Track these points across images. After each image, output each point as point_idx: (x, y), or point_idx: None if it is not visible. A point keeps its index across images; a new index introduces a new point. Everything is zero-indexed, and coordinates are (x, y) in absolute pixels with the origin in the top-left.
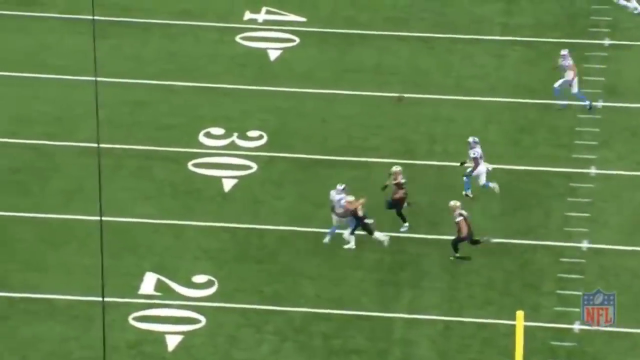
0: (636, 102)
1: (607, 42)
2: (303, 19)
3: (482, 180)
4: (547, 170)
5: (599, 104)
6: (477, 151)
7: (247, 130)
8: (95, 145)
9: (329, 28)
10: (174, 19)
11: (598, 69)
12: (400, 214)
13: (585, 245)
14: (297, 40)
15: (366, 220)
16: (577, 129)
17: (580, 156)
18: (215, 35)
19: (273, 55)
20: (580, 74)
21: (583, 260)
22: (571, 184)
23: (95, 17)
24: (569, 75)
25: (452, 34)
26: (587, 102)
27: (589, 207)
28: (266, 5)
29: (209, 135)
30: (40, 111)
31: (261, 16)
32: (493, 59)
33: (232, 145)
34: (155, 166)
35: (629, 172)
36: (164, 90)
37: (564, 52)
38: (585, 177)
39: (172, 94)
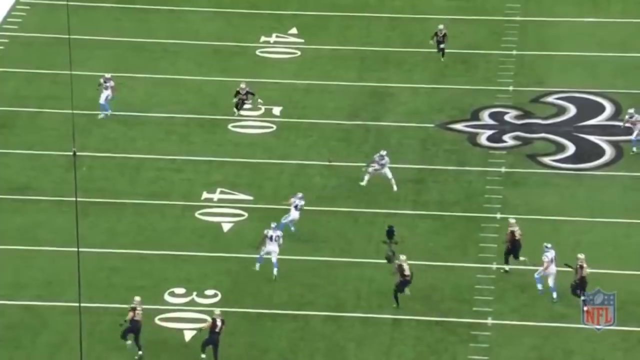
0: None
1: (498, 215)
2: (250, 197)
3: None
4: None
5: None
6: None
7: (205, 290)
8: (78, 304)
9: (273, 205)
10: (144, 199)
11: (491, 238)
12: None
13: None
14: (246, 215)
15: None
16: (477, 286)
17: (479, 309)
18: (178, 212)
19: (226, 227)
20: (477, 241)
21: None
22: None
23: (78, 199)
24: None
25: (374, 208)
26: None
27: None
28: (220, 187)
29: (172, 294)
30: (32, 277)
31: (216, 195)
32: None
33: (192, 302)
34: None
35: (521, 322)
36: (135, 258)
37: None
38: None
39: (142, 261)
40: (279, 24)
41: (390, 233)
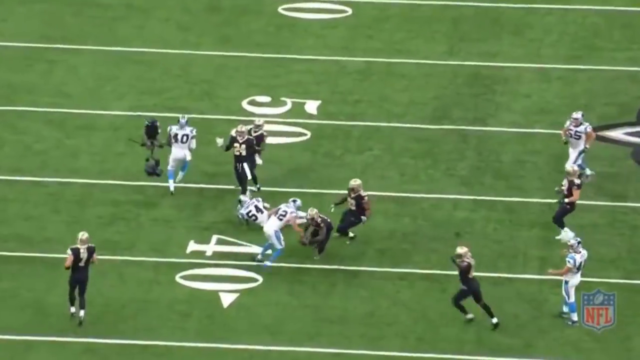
0: None
1: None
2: (268, 251)
3: None
4: None
5: None
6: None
7: None
8: None
9: (302, 263)
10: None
11: None
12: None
13: None
14: (260, 279)
15: None
16: None
17: None
18: (148, 274)
19: (226, 300)
20: None
21: None
22: None
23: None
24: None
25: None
26: None
27: None
28: (216, 233)
29: None
30: None
31: (210, 247)
32: None
33: None
34: None
35: None
36: (74, 352)
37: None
38: None
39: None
40: None
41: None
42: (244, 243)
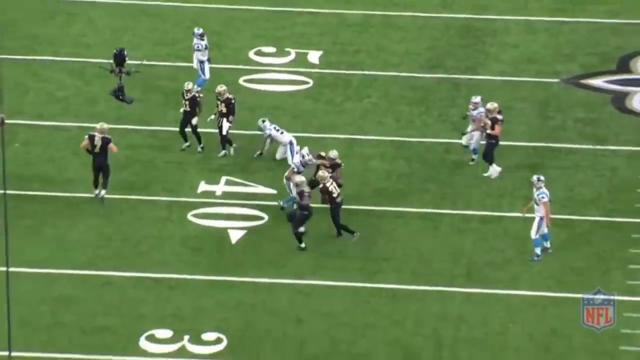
0: None
1: None
2: (272, 191)
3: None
4: None
5: None
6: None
7: (202, 333)
8: (6, 353)
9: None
10: (110, 192)
11: None
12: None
13: None
14: (265, 217)
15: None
16: (624, 330)
17: None
18: (162, 212)
19: (235, 236)
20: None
21: None
22: None
23: (8, 192)
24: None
25: (462, 209)
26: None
27: None
28: (225, 175)
29: (152, 339)
30: None
31: (219, 187)
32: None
33: (183, 352)
34: None
35: None
36: (95, 283)
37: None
38: None
39: (106, 288)
40: None
41: (119, 57)
42: (251, 184)
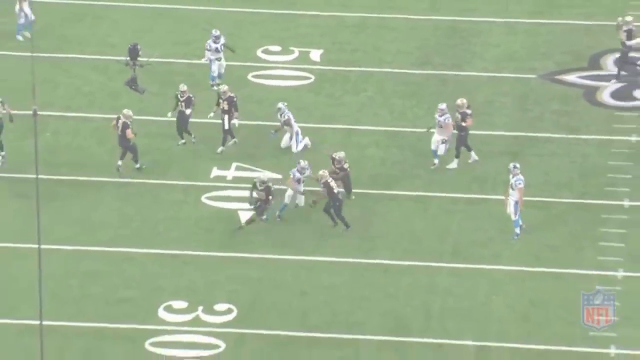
0: None
1: (626, 203)
2: (277, 176)
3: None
4: (559, 350)
5: (619, 273)
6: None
7: (214, 304)
8: (38, 322)
9: (308, 185)
10: (131, 177)
11: (616, 234)
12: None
13: None
14: (272, 199)
15: None
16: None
17: (598, 334)
18: (179, 195)
19: (244, 216)
20: (595, 239)
21: None
22: None
23: (39, 176)
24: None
25: (449, 192)
26: None
27: None
28: (236, 161)
29: (169, 309)
30: None
31: (230, 173)
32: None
33: (197, 321)
34: (107, 347)
35: None
36: (118, 259)
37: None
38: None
39: (128, 263)
40: None
41: (133, 51)
42: (259, 169)
